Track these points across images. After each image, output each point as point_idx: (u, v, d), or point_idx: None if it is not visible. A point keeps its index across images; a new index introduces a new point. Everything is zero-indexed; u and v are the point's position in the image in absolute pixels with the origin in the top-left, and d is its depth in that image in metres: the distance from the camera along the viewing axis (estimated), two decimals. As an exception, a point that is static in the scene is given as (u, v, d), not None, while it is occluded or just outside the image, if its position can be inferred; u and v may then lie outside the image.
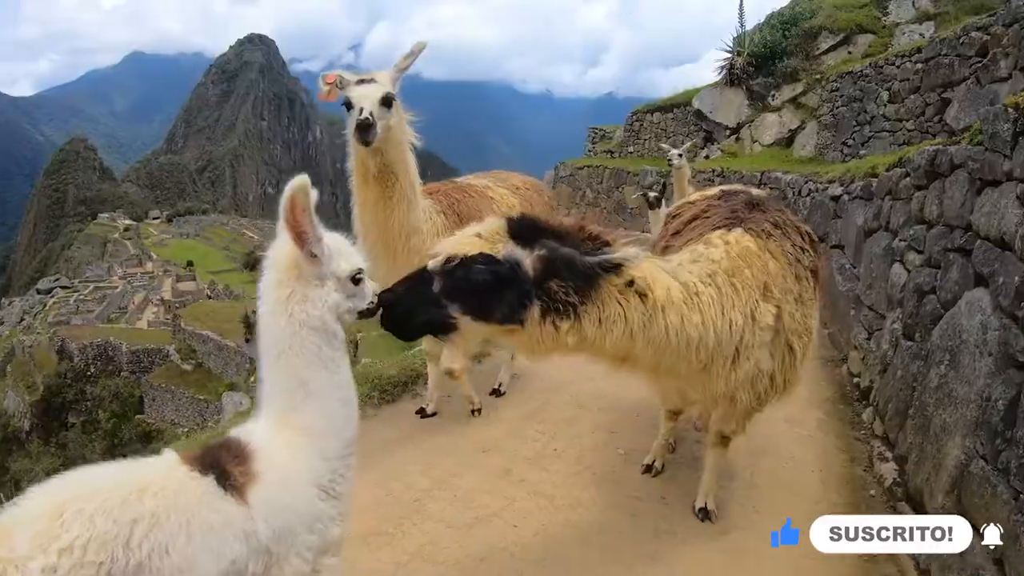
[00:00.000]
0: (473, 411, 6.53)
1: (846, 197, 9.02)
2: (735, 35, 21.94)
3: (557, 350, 3.29)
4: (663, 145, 14.11)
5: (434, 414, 6.57)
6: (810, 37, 19.76)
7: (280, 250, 2.45)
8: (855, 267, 8.08)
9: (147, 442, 45.76)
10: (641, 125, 26.38)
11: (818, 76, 18.87)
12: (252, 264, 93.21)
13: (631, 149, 26.63)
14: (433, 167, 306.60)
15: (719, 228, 4.00)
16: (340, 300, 2.52)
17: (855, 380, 7.15)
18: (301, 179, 2.35)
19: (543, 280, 3.08)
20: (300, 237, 2.38)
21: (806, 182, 12.40)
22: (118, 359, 60.89)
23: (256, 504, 2.15)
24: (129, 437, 50.99)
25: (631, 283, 3.25)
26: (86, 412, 58.09)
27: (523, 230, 3.13)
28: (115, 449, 47.58)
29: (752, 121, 20.88)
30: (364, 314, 2.67)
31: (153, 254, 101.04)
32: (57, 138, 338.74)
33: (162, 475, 2.04)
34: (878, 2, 18.82)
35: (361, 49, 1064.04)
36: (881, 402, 5.77)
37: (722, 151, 21.65)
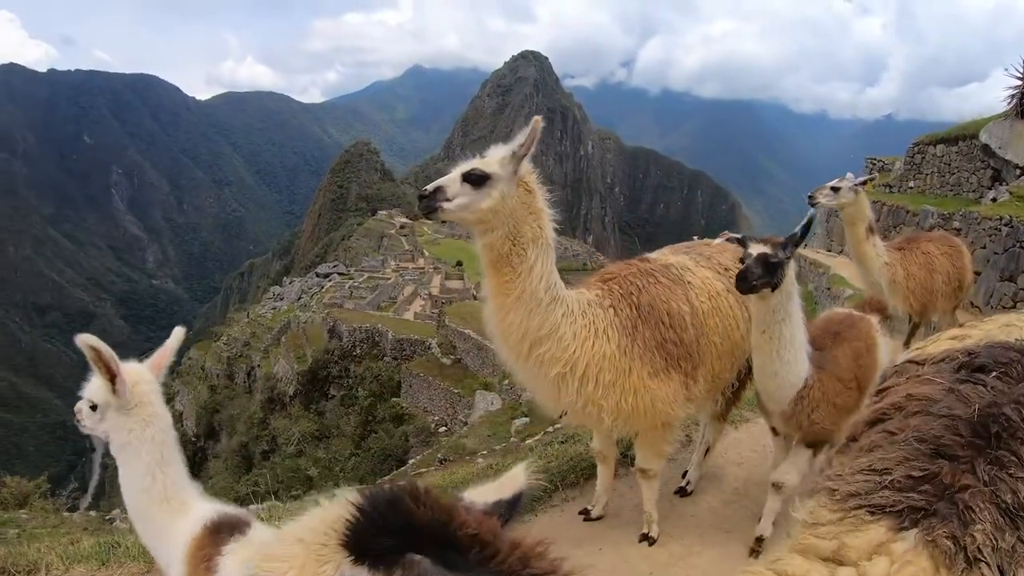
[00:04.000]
0: (645, 537, 5.84)
1: None
2: None
3: None
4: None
5: (599, 518, 6.17)
6: None
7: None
8: None
9: (397, 424, 49.12)
10: (923, 158, 22.52)
11: None
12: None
13: (911, 184, 22.90)
14: (703, 186, 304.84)
15: (883, 513, 2.08)
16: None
17: None
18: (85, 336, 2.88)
19: None
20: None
21: None
22: (383, 344, 63.01)
23: None
24: (383, 416, 52.60)
25: None
26: (346, 388, 60.69)
27: (372, 535, 1.82)
28: (368, 424, 51.63)
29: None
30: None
31: (425, 251, 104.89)
32: (342, 140, 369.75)
33: None
34: None
35: (633, 66, 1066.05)
36: None
37: (1011, 194, 17.78)
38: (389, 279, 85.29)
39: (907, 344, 9.00)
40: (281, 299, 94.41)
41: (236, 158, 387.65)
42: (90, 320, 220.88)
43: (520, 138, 4.27)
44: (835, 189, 8.33)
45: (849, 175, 8.49)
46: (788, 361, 4.69)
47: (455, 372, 58.46)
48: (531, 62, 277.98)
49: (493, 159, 4.31)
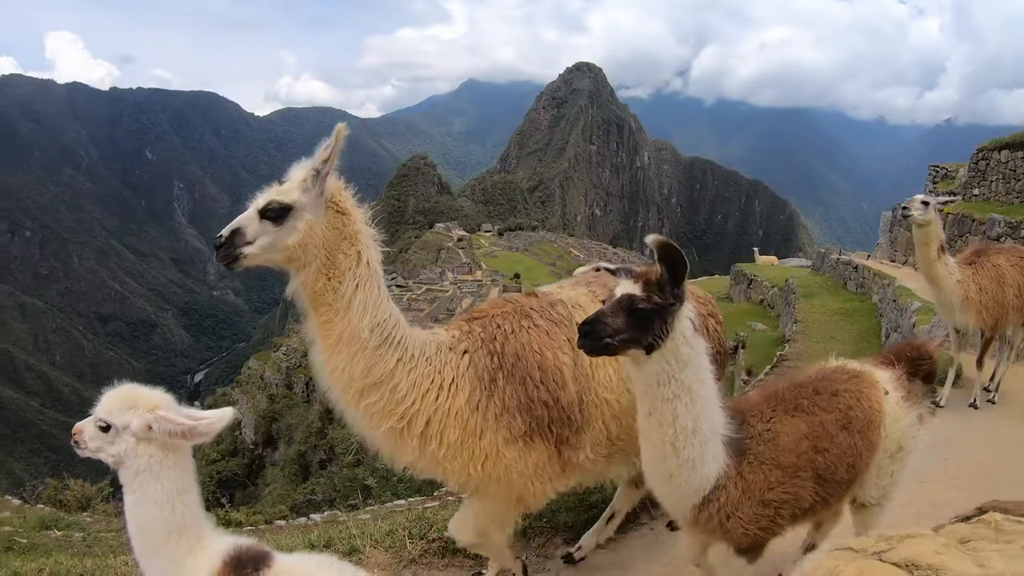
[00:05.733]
0: None
1: None
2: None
3: None
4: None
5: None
6: None
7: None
8: None
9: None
10: (987, 164, 21.78)
11: None
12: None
13: (976, 192, 22.03)
14: (760, 196, 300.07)
15: None
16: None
17: None
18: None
19: None
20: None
21: None
22: (441, 356, 64.17)
23: None
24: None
25: None
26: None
27: None
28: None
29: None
30: None
31: (483, 263, 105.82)
32: (399, 154, 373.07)
33: None
34: None
35: (688, 75, 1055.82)
36: None
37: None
38: (447, 291, 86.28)
39: (980, 360, 9.36)
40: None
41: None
42: (152, 329, 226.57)
43: (320, 151, 3.78)
44: (925, 203, 8.33)
45: (931, 196, 8.65)
46: (689, 460, 3.48)
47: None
48: (585, 74, 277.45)
49: (293, 184, 3.83)
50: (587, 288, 4.75)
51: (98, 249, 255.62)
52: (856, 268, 26.27)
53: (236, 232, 3.72)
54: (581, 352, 3.93)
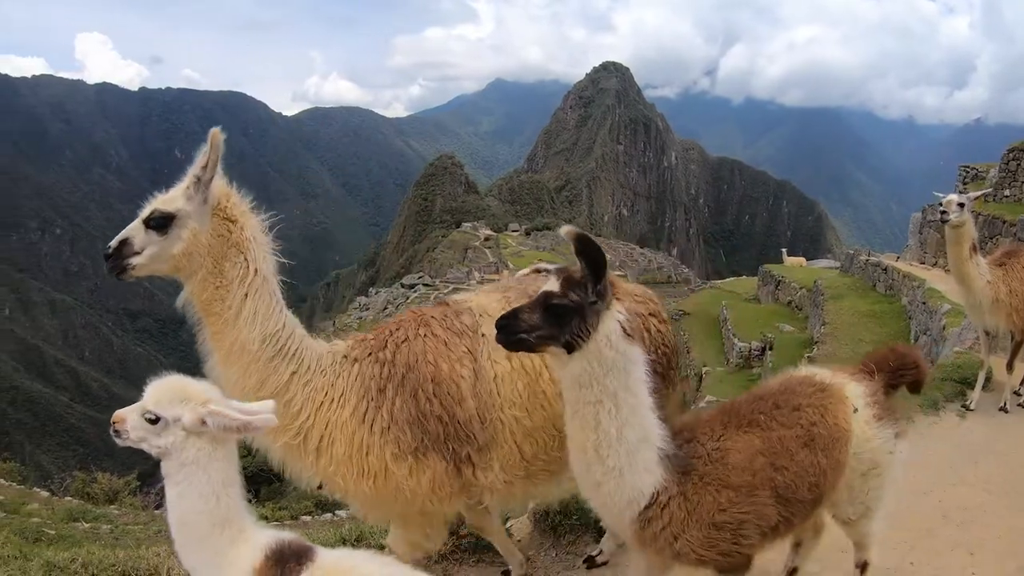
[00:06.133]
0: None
1: None
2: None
3: None
4: (936, 192, 9.19)
5: None
6: None
7: None
8: None
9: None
10: (1018, 165, 21.96)
11: None
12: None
13: (1007, 193, 22.12)
14: (788, 196, 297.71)
15: None
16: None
17: None
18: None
19: None
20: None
21: None
22: (472, 355, 64.27)
23: None
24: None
25: None
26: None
27: None
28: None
29: None
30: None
31: (510, 263, 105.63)
32: (426, 153, 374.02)
33: None
34: None
35: (716, 74, 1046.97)
36: None
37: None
38: (474, 290, 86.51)
39: (1011, 364, 9.15)
40: (367, 309, 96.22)
41: (323, 171, 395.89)
42: (180, 326, 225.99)
43: (200, 158, 3.67)
44: (961, 205, 8.11)
45: (964, 196, 8.36)
46: (615, 468, 3.30)
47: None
48: (612, 73, 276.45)
49: (177, 192, 3.73)
50: (502, 294, 4.49)
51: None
52: (885, 270, 26.12)
53: (124, 243, 3.65)
54: (485, 366, 4.01)
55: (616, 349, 3.12)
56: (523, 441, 4.08)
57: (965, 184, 25.40)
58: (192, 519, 2.70)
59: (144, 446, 2.73)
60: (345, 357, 4.05)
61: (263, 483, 55.50)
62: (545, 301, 3.09)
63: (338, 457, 3.89)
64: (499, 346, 3.45)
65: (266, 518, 9.10)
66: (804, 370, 4.17)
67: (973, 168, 26.53)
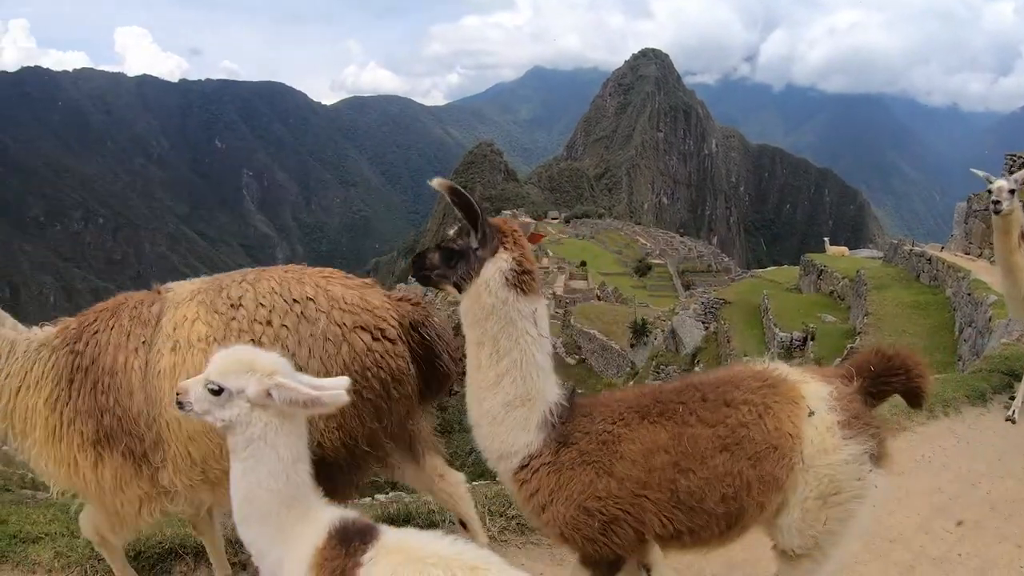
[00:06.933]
0: None
1: None
2: None
3: None
4: (977, 172, 8.38)
5: None
6: None
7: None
8: None
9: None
10: None
11: None
12: (643, 270, 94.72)
13: None
14: (830, 185, 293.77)
15: None
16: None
17: None
18: None
19: None
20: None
21: None
22: (507, 342, 64.34)
23: None
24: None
25: None
26: (469, 384, 62.82)
27: None
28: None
29: None
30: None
31: (549, 251, 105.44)
32: (465, 141, 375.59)
33: None
34: None
35: (756, 60, 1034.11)
36: None
37: None
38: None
39: None
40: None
41: (362, 160, 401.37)
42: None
43: None
44: (1012, 192, 7.38)
45: (1015, 181, 7.57)
46: (488, 413, 3.35)
47: (579, 373, 59.12)
48: (652, 60, 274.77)
49: None
50: (226, 281, 4.04)
51: (169, 235, 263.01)
52: (930, 260, 25.83)
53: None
54: (153, 359, 3.78)
55: (495, 295, 3.18)
56: (189, 443, 3.77)
57: (1011, 172, 24.91)
58: (259, 495, 2.63)
59: (209, 419, 2.66)
60: (43, 345, 3.94)
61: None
62: (441, 244, 3.31)
63: (39, 441, 3.83)
64: (168, 338, 3.73)
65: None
66: (765, 362, 3.64)
67: (1020, 156, 25.55)
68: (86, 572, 4.61)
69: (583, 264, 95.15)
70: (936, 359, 16.62)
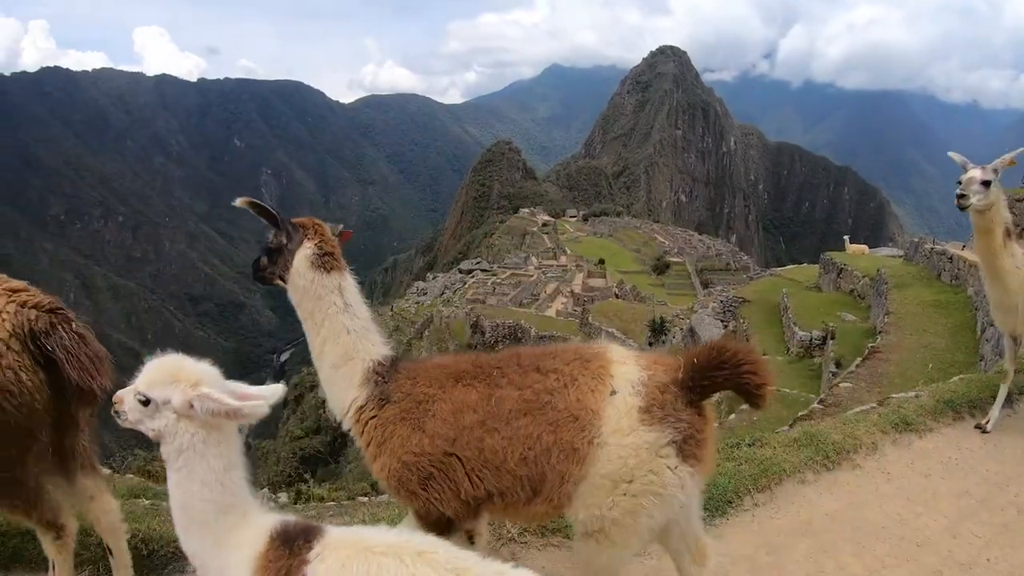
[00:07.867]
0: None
1: None
2: None
3: None
4: (955, 157, 7.34)
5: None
6: None
7: None
8: None
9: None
10: None
11: None
12: (661, 268, 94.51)
13: None
14: (849, 183, 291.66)
15: None
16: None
17: None
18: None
19: None
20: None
21: None
22: (525, 341, 63.72)
23: None
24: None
25: None
26: (489, 381, 62.88)
27: None
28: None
29: None
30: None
31: (567, 249, 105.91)
32: (483, 139, 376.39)
33: None
34: None
35: (774, 57, 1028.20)
36: None
37: None
38: (531, 276, 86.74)
39: None
40: (424, 294, 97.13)
41: (380, 158, 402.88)
42: (240, 310, 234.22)
43: None
44: (986, 183, 6.54)
45: (988, 170, 6.72)
46: (327, 379, 3.81)
47: (595, 369, 59.36)
48: (669, 57, 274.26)
49: None
50: None
51: (188, 233, 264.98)
52: (951, 259, 25.53)
53: None
54: None
55: (304, 277, 3.70)
56: None
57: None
58: (194, 505, 2.63)
59: (141, 428, 2.67)
60: None
61: (319, 464, 56.65)
62: (264, 247, 3.82)
63: None
64: None
65: (322, 498, 9.33)
66: (602, 343, 3.77)
67: (1041, 153, 25.51)
68: (98, 570, 4.64)
69: (601, 262, 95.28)
70: (957, 359, 16.45)
